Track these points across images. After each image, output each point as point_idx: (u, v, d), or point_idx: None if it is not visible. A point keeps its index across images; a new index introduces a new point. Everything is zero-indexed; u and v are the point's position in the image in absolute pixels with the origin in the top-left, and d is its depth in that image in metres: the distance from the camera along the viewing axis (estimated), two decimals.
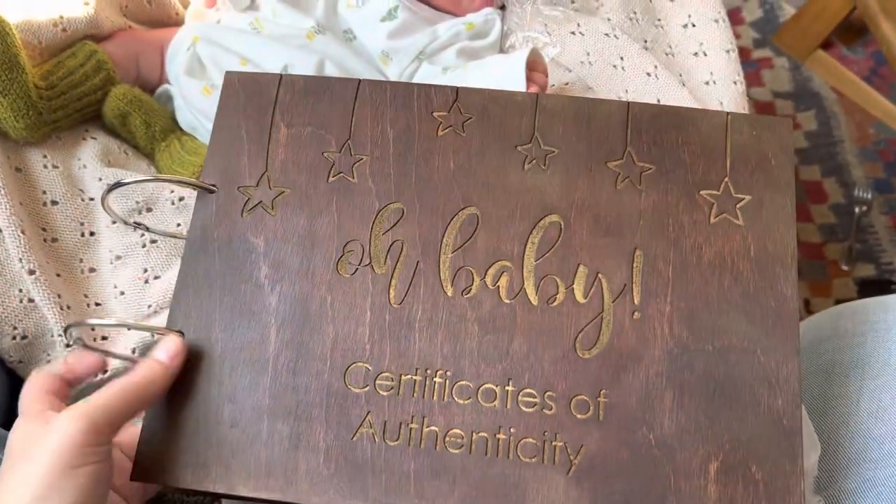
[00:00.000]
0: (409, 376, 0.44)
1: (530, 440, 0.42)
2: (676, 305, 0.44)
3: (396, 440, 0.43)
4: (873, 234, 1.33)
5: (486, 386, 0.44)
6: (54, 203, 0.67)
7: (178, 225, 0.68)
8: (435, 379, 0.44)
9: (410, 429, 0.43)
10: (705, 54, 0.71)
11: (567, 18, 0.73)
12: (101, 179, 0.67)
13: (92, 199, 0.68)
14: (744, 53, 1.51)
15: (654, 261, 0.45)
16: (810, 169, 1.39)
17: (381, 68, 0.75)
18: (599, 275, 0.45)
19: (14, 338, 0.63)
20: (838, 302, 1.26)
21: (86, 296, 0.67)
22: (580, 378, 0.43)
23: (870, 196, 1.33)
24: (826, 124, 1.42)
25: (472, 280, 0.45)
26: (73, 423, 0.39)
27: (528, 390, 0.43)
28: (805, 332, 0.62)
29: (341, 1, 0.77)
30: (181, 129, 0.74)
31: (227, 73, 0.52)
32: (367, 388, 0.44)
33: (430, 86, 0.50)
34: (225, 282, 0.46)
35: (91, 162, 0.68)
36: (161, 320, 0.65)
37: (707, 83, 0.70)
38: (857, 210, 1.33)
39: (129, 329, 0.61)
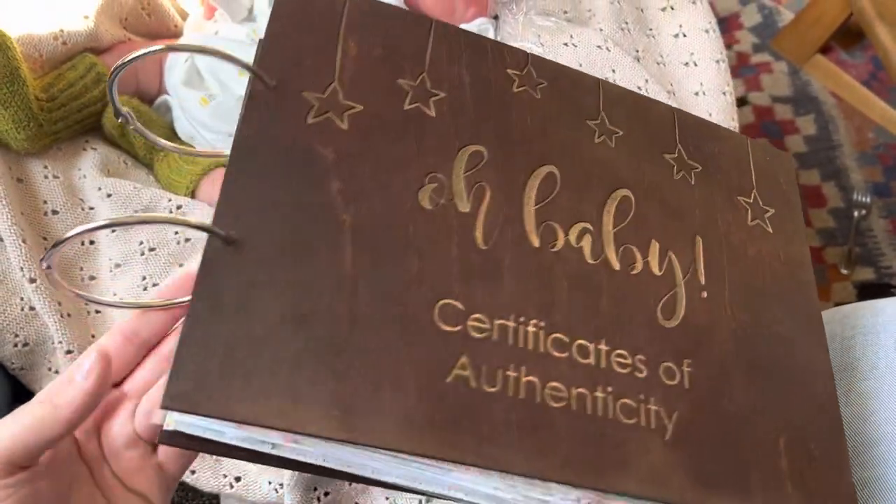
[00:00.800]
0: (501, 321, 0.40)
1: (627, 401, 0.40)
2: (734, 291, 0.46)
3: (494, 387, 0.38)
4: (872, 238, 1.33)
5: (580, 342, 0.41)
6: (55, 212, 0.68)
7: (176, 233, 0.69)
8: (528, 328, 0.40)
9: (508, 376, 0.38)
10: (696, 64, 0.72)
11: (560, 29, 0.74)
12: (100, 189, 0.68)
13: (92, 209, 0.69)
14: (742, 58, 1.51)
15: (711, 248, 0.47)
16: (809, 173, 1.39)
17: None
18: (670, 252, 0.45)
19: (16, 345, 0.64)
20: (838, 306, 1.26)
21: (86, 303, 0.68)
22: (666, 345, 0.43)
23: (869, 200, 1.34)
24: (825, 129, 1.43)
25: (557, 235, 0.43)
26: None
27: (620, 351, 0.41)
28: None
29: None
30: (179, 139, 0.75)
31: None
32: (459, 328, 0.39)
33: (500, 43, 0.48)
34: (286, 189, 0.39)
35: (91, 172, 0.69)
36: None
37: (696, 94, 0.70)
38: (856, 214, 1.33)
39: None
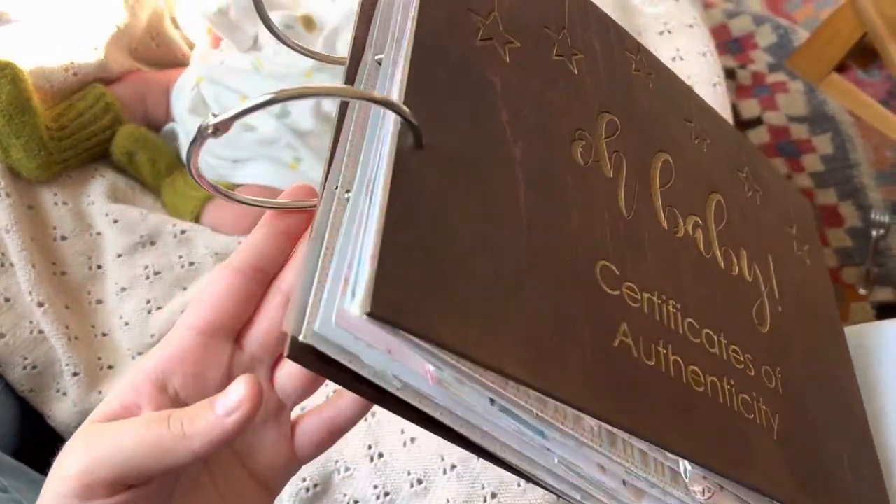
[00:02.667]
0: (648, 295, 0.38)
1: (745, 396, 0.40)
2: (798, 315, 0.48)
3: (651, 361, 0.36)
4: (891, 258, 1.31)
5: (707, 331, 0.40)
6: (63, 238, 0.70)
7: (181, 257, 0.70)
8: (668, 307, 0.38)
9: (660, 352, 0.37)
10: (693, 87, 0.72)
11: None
12: (107, 215, 0.71)
13: (100, 234, 0.71)
14: (758, 78, 1.51)
15: (779, 268, 0.48)
16: (826, 192, 1.38)
17: None
18: (754, 262, 0.46)
19: (25, 368, 0.66)
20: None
21: (93, 326, 0.70)
22: (762, 349, 0.43)
23: (887, 219, 1.32)
24: (842, 147, 1.42)
25: (678, 222, 0.42)
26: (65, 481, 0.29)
27: (735, 347, 0.41)
28: None
29: (340, 40, 0.80)
30: (185, 165, 0.77)
31: None
32: (617, 293, 0.36)
33: (620, 28, 0.46)
34: (466, 105, 0.35)
35: (99, 199, 0.71)
36: None
37: None
38: (874, 233, 1.31)
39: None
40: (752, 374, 0.41)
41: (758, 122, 1.44)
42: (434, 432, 0.33)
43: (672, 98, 0.47)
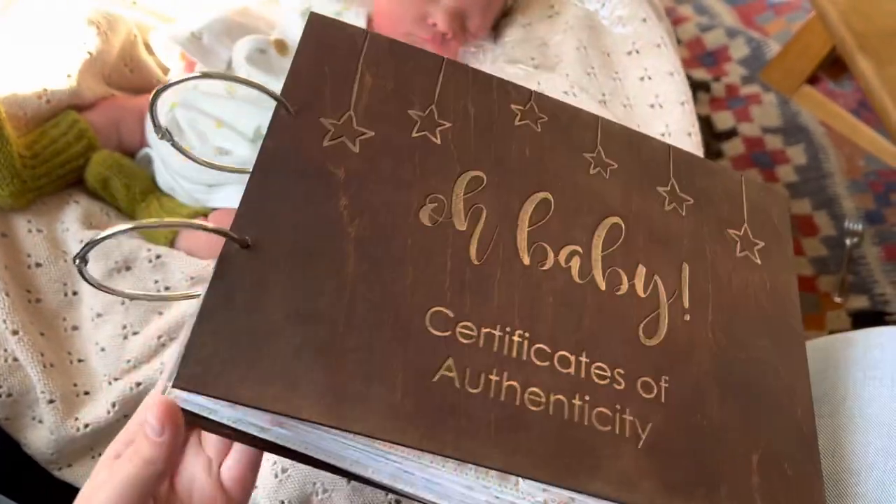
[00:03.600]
0: (488, 330, 0.43)
1: (603, 410, 0.43)
2: (716, 316, 0.49)
3: (477, 388, 0.41)
4: (865, 266, 1.33)
5: (562, 353, 0.44)
6: (38, 265, 0.70)
7: (156, 282, 0.71)
8: (513, 337, 0.43)
9: (491, 380, 0.42)
10: (661, 106, 0.73)
11: (528, 76, 0.76)
12: (81, 241, 0.70)
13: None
14: (732, 90, 1.53)
15: (697, 275, 0.50)
16: (801, 202, 1.40)
17: None
18: (656, 276, 0.49)
19: (0, 396, 0.66)
20: (832, 334, 1.26)
21: (69, 353, 0.70)
22: (644, 361, 0.46)
23: (861, 228, 1.34)
24: (815, 158, 1.43)
25: (547, 255, 0.47)
26: None
27: (600, 364, 0.44)
28: None
29: None
30: (160, 190, 0.77)
31: (312, 14, 0.51)
32: (447, 333, 0.42)
33: (506, 80, 0.52)
34: (299, 203, 0.43)
35: (73, 225, 0.71)
36: (141, 375, 0.68)
37: (662, 135, 0.72)
38: (848, 242, 1.33)
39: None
40: (622, 386, 0.44)
41: (732, 133, 1.46)
42: (303, 462, 0.42)
43: (569, 135, 0.52)
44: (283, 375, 0.38)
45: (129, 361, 0.69)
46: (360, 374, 0.39)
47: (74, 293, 0.71)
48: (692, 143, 0.71)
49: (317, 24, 0.50)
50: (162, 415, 0.38)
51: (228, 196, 0.74)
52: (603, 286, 0.47)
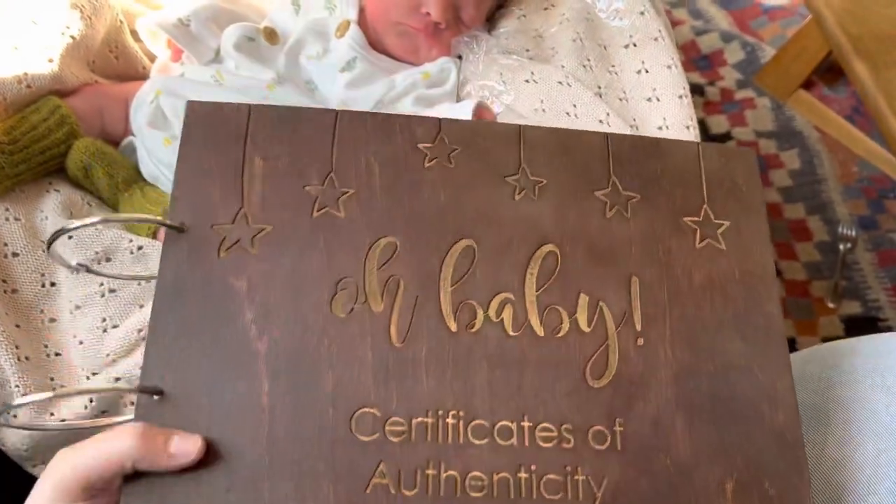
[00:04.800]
0: (420, 419, 0.41)
1: (553, 476, 0.41)
2: (676, 329, 0.45)
3: (413, 490, 0.40)
4: (859, 271, 1.33)
5: (502, 423, 0.41)
6: (15, 255, 0.68)
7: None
8: (448, 420, 0.41)
9: (428, 475, 0.40)
10: (658, 100, 0.72)
11: (521, 67, 0.74)
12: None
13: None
14: (727, 94, 1.52)
15: (649, 286, 0.46)
16: (794, 207, 1.39)
17: None
18: (600, 302, 0.45)
19: None
20: (825, 340, 1.25)
21: (45, 346, 0.67)
22: (594, 408, 0.42)
23: (854, 233, 1.33)
24: (809, 163, 1.43)
25: (476, 314, 0.44)
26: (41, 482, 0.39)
27: (545, 424, 0.42)
28: None
29: (303, 52, 0.79)
30: (144, 180, 0.75)
31: (190, 102, 0.47)
32: (376, 436, 0.40)
33: (411, 117, 0.48)
34: (205, 330, 0.42)
35: (52, 214, 0.69)
36: (120, 369, 0.66)
37: (660, 128, 0.70)
38: (841, 247, 1.32)
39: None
40: (571, 444, 0.41)
41: (727, 137, 1.45)
42: None
43: (488, 161, 0.47)
44: None
45: (108, 355, 0.66)
46: (292, 497, 0.39)
47: (52, 284, 0.68)
48: (690, 136, 0.70)
49: (196, 114, 0.47)
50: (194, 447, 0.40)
51: None
52: (541, 332, 0.44)
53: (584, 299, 0.45)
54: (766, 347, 0.46)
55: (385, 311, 0.43)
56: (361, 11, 0.82)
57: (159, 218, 0.44)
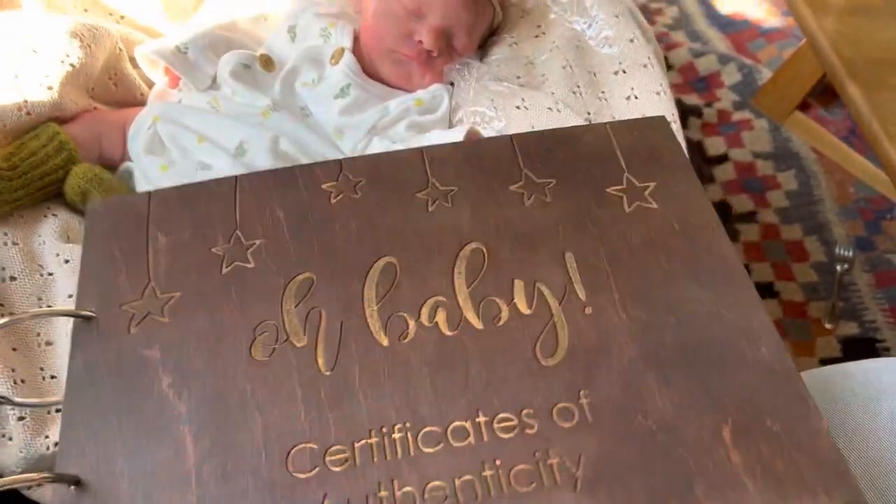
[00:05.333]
0: (363, 442, 0.39)
1: (522, 466, 0.38)
2: (624, 290, 0.44)
3: None
4: (856, 292, 1.33)
5: (454, 425, 0.39)
6: (13, 279, 0.69)
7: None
8: (394, 436, 0.39)
9: (380, 498, 0.37)
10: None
11: (512, 93, 0.75)
12: (58, 255, 0.69)
13: (51, 274, 0.70)
14: (724, 116, 1.53)
15: (585, 257, 0.45)
16: (791, 228, 1.39)
17: (335, 142, 0.78)
18: (537, 283, 0.44)
19: None
20: (823, 361, 1.25)
21: (41, 369, 0.68)
22: (553, 386, 0.40)
23: (851, 254, 1.33)
24: (806, 184, 1.44)
25: (407, 324, 0.43)
26: None
27: (503, 415, 0.39)
28: None
29: (298, 79, 0.80)
30: None
31: (90, 205, 0.49)
32: (316, 469, 0.38)
33: (312, 164, 0.49)
34: (120, 406, 0.41)
35: (50, 238, 0.70)
36: None
37: None
38: (838, 268, 1.33)
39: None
40: (535, 429, 0.39)
41: (724, 158, 1.46)
42: None
43: (394, 183, 0.48)
44: None
45: None
46: None
47: (49, 307, 0.69)
48: None
49: (97, 213, 0.48)
50: None
51: None
52: (480, 325, 0.42)
53: (519, 284, 0.44)
54: (728, 288, 0.44)
55: (309, 344, 0.42)
56: (356, 40, 0.83)
57: (69, 309, 0.45)
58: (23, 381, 0.66)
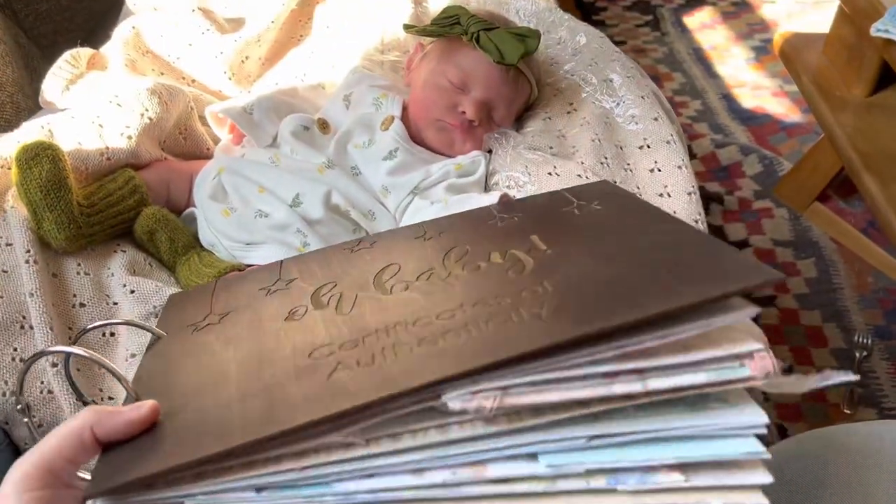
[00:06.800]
0: (370, 336, 0.46)
1: (498, 318, 0.44)
2: (579, 243, 0.52)
3: (371, 366, 0.43)
4: (875, 380, 1.34)
5: (443, 312, 0.46)
6: (82, 305, 0.75)
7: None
8: (396, 329, 0.46)
9: (382, 348, 0.44)
10: (669, 195, 0.79)
11: (545, 161, 0.82)
12: (125, 286, 0.76)
13: (116, 304, 0.76)
14: (745, 204, 1.59)
15: (547, 234, 0.54)
16: (811, 314, 1.42)
17: (380, 199, 0.85)
18: (509, 250, 0.53)
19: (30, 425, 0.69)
20: None
21: (101, 389, 0.74)
22: (522, 282, 0.48)
23: (870, 342, 1.35)
24: (826, 272, 1.47)
25: (407, 286, 0.52)
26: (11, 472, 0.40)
27: (482, 304, 0.46)
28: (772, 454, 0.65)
29: (351, 142, 0.88)
30: (201, 246, 0.83)
31: (170, 296, 0.63)
32: (332, 356, 0.45)
33: (349, 242, 0.63)
34: (182, 358, 0.52)
35: (118, 271, 0.77)
36: None
37: None
38: (857, 355, 1.35)
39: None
40: (507, 302, 0.45)
41: (744, 244, 1.51)
42: None
43: (398, 238, 0.61)
44: (201, 438, 0.41)
45: None
46: (265, 400, 0.42)
47: (112, 334, 0.75)
48: (699, 229, 0.76)
49: (174, 298, 0.63)
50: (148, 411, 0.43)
51: (264, 254, 0.80)
52: (464, 274, 0.51)
53: (495, 254, 0.53)
54: (664, 226, 0.52)
55: (331, 307, 0.52)
56: (404, 109, 0.92)
57: (149, 325, 0.57)
58: (78, 370, 0.71)
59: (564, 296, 0.45)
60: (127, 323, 0.56)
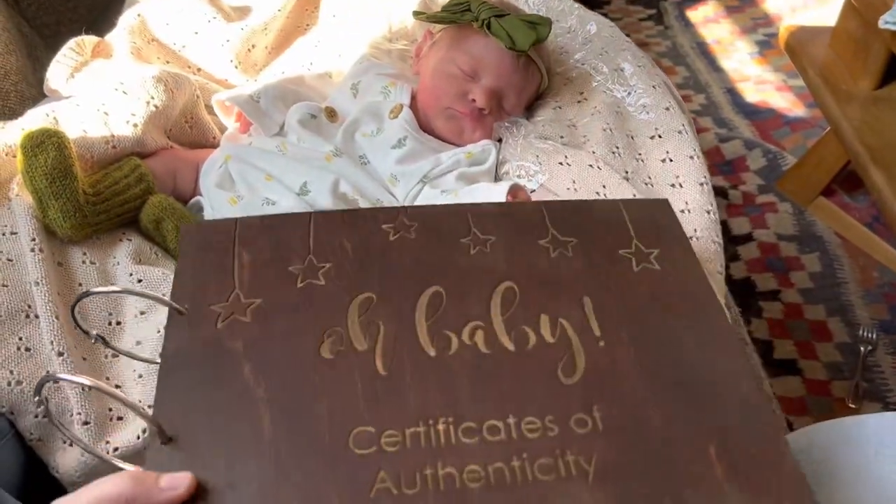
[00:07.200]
0: (412, 429, 0.45)
1: (544, 460, 0.44)
2: (630, 333, 0.51)
3: (415, 488, 0.43)
4: (880, 374, 1.34)
5: (490, 422, 0.46)
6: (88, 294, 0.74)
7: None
8: (438, 427, 0.45)
9: (426, 475, 0.43)
10: (681, 186, 0.78)
11: (556, 151, 0.82)
12: (131, 275, 0.75)
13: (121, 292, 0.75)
14: (748, 198, 1.58)
15: (600, 303, 0.53)
16: (815, 308, 1.42)
17: (389, 189, 0.84)
18: (560, 319, 0.51)
19: (36, 416, 0.68)
20: None
21: (107, 378, 0.73)
22: (572, 400, 0.47)
23: (875, 336, 1.35)
24: (830, 266, 1.46)
25: (451, 340, 0.50)
26: None
27: (529, 419, 0.46)
28: None
29: (359, 130, 0.87)
30: None
31: (184, 226, 0.58)
32: (373, 449, 0.45)
33: (374, 208, 0.60)
34: (207, 388, 0.48)
35: (124, 260, 0.76)
36: None
37: (682, 211, 0.76)
38: (862, 349, 1.34)
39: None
40: (555, 432, 0.46)
41: (748, 238, 1.50)
42: None
43: (442, 230, 0.57)
44: None
45: None
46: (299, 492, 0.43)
47: (118, 323, 0.74)
48: (710, 220, 0.75)
49: (189, 232, 0.58)
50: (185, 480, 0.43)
51: None
52: (512, 347, 0.50)
53: (545, 318, 0.52)
54: (718, 341, 0.52)
55: (369, 350, 0.49)
56: (413, 98, 0.91)
57: (167, 299, 0.52)
58: (90, 388, 0.70)
59: (610, 444, 0.45)
60: (141, 294, 0.53)
